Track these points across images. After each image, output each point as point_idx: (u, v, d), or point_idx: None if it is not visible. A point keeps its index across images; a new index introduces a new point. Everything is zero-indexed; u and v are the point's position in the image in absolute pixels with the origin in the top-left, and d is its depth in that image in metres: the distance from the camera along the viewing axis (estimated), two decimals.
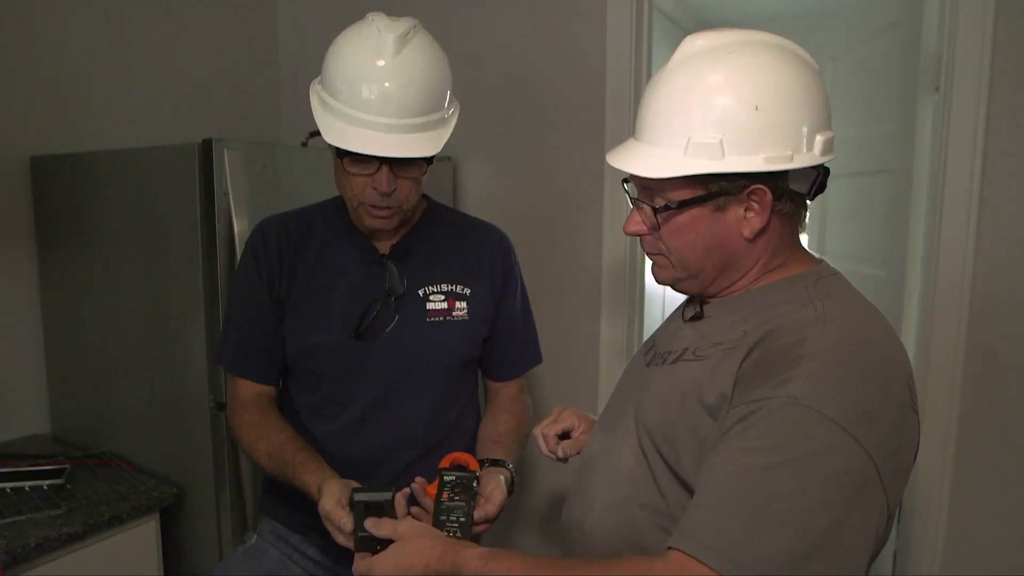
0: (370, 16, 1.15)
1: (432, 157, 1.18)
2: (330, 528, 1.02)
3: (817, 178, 0.86)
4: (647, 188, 0.87)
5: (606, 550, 0.90)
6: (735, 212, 0.84)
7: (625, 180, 0.92)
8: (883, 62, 2.16)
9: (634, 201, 0.91)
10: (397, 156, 1.11)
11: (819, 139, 0.83)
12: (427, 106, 1.14)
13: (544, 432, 1.17)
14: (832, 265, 0.92)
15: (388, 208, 1.18)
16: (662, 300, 3.42)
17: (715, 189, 0.82)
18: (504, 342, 1.35)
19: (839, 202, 2.46)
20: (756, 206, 0.83)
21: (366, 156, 1.12)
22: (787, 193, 0.84)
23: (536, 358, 1.44)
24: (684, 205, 0.84)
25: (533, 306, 1.44)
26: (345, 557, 1.30)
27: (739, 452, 0.74)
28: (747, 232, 0.85)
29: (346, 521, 0.99)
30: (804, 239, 0.93)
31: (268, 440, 1.20)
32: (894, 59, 2.09)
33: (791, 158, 0.81)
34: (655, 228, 0.88)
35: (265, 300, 1.26)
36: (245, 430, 1.25)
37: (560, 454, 1.15)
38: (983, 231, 1.56)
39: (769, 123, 0.80)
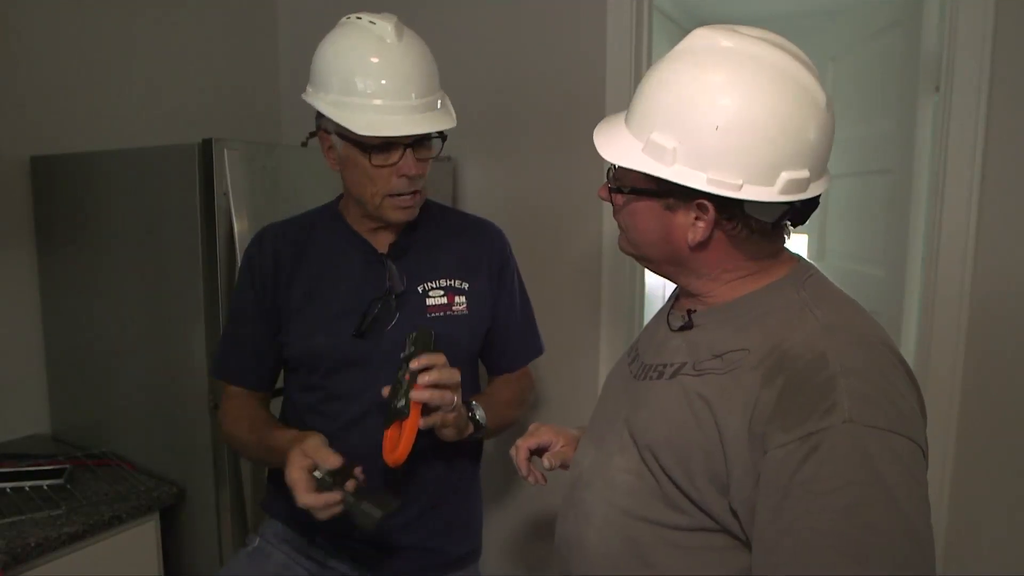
0: (350, 18, 1.16)
1: (441, 141, 1.24)
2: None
3: (787, 212, 0.82)
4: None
5: (609, 566, 0.88)
6: (685, 216, 0.84)
7: None
8: (883, 62, 2.16)
9: (608, 171, 0.94)
10: (432, 131, 1.17)
11: (784, 176, 0.78)
12: (432, 86, 1.20)
13: (517, 444, 1.14)
14: (831, 264, 0.92)
15: (413, 195, 1.21)
16: (662, 298, 3.41)
17: (664, 189, 0.83)
18: (504, 335, 1.36)
19: (839, 202, 2.46)
20: (703, 216, 0.82)
21: (389, 145, 1.14)
22: (740, 217, 0.82)
23: (537, 349, 1.44)
24: (635, 192, 0.86)
25: (534, 305, 1.44)
26: (350, 558, 1.30)
27: (820, 496, 0.71)
28: (690, 239, 0.84)
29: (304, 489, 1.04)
30: (804, 239, 0.93)
31: (248, 419, 1.27)
32: (894, 59, 2.09)
33: (740, 187, 0.78)
34: (613, 205, 0.92)
35: (255, 309, 1.28)
36: (227, 421, 1.30)
37: (546, 464, 1.12)
38: (983, 231, 1.56)
39: (725, 147, 0.77)
